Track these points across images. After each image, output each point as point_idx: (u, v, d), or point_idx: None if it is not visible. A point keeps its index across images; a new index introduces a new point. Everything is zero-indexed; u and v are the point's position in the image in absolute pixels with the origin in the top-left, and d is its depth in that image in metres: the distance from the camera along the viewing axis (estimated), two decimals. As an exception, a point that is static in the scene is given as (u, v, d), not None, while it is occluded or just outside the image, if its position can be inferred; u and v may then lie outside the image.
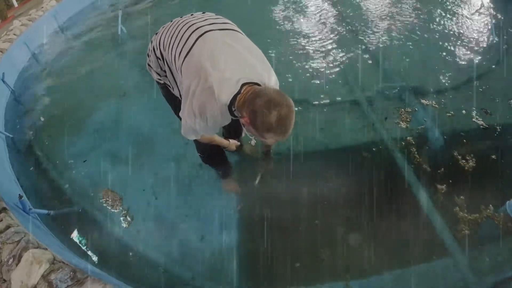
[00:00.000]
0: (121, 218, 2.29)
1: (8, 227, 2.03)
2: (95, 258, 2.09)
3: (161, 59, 1.69)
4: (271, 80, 1.48)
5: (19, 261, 1.81)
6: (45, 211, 2.33)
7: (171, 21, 1.72)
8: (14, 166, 2.74)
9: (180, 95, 1.62)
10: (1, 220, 2.08)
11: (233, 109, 1.40)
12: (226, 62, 1.38)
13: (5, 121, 3.22)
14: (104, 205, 2.35)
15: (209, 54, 1.39)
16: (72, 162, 2.72)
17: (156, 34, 1.75)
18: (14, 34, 4.34)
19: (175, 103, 1.83)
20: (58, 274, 1.69)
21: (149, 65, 1.84)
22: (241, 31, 1.60)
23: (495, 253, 1.94)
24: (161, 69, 1.75)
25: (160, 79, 1.83)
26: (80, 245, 2.18)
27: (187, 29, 1.51)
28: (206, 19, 1.56)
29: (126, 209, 2.34)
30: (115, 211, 2.33)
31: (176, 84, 1.69)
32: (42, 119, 3.22)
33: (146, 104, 3.14)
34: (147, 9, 5.16)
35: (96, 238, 2.21)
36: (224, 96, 1.36)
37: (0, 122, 3.16)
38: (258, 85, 1.40)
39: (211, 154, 2.11)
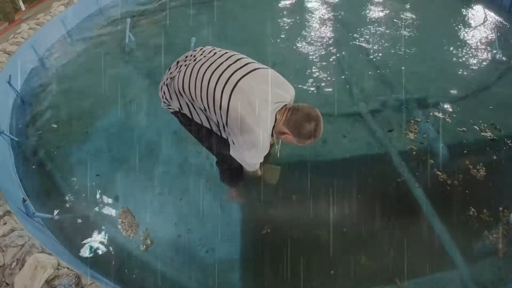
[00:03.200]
0: (126, 227, 2.30)
1: (12, 230, 2.03)
2: (98, 264, 2.08)
3: (190, 103, 1.80)
4: (291, 94, 1.76)
5: (22, 265, 1.81)
6: (49, 216, 2.33)
7: (185, 64, 1.78)
8: (19, 169, 2.75)
9: (211, 127, 1.87)
10: (5, 223, 2.08)
11: (273, 132, 1.75)
12: (260, 106, 1.61)
13: (10, 124, 3.23)
14: (120, 226, 2.32)
15: (246, 107, 1.60)
16: (77, 168, 2.73)
17: (172, 78, 1.81)
18: (22, 38, 4.37)
19: (194, 128, 1.97)
20: (62, 279, 1.69)
21: (166, 102, 1.92)
22: (251, 60, 1.74)
23: (499, 264, 1.96)
24: (189, 106, 1.83)
25: (181, 110, 1.89)
26: (82, 251, 2.17)
27: (216, 83, 1.64)
28: (226, 66, 1.67)
29: (130, 216, 2.34)
30: (120, 222, 2.34)
31: (207, 117, 1.83)
32: (47, 123, 3.23)
33: (151, 111, 3.16)
34: (155, 17, 5.22)
35: (99, 244, 2.21)
36: (267, 132, 1.67)
37: (6, 125, 3.16)
38: (285, 104, 1.72)
39: (235, 171, 2.21)
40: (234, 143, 1.75)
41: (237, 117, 1.62)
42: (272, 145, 2.34)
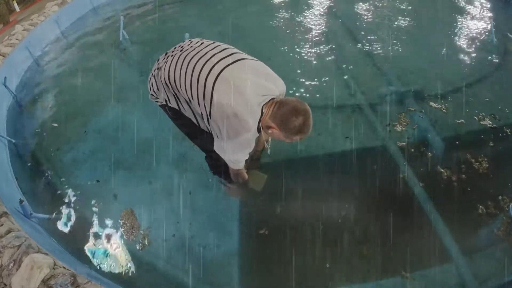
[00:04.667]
0: (122, 224, 2.30)
1: (8, 231, 2.03)
2: (95, 263, 2.09)
3: (175, 94, 1.75)
4: (280, 88, 1.70)
5: (19, 265, 1.82)
6: (46, 216, 2.34)
7: (172, 54, 1.75)
8: (15, 170, 2.75)
9: (197, 122, 1.82)
10: (2, 225, 2.09)
11: (260, 127, 1.67)
12: (246, 97, 1.55)
13: (6, 125, 3.23)
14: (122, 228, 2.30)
15: (230, 97, 1.54)
16: (73, 168, 2.73)
17: (159, 68, 1.78)
18: (16, 39, 4.36)
19: (182, 123, 1.93)
20: (58, 279, 1.70)
21: (154, 94, 1.89)
22: (239, 51, 1.68)
23: (496, 257, 1.97)
24: (176, 98, 1.79)
25: (169, 103, 1.85)
26: (78, 250, 2.17)
27: (200, 70, 1.59)
28: (212, 55, 1.62)
29: (129, 221, 2.35)
30: (116, 220, 2.33)
31: (192, 110, 1.78)
32: (43, 124, 3.23)
33: (146, 109, 3.15)
34: (149, 15, 5.19)
35: (96, 244, 2.21)
36: (253, 125, 1.59)
37: (2, 126, 3.16)
38: (273, 98, 1.64)
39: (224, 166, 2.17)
40: (217, 137, 1.69)
41: (220, 108, 1.56)
42: (258, 145, 2.26)
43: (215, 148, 1.73)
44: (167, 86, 1.74)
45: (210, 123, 1.68)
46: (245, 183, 2.20)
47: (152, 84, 1.86)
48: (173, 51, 1.79)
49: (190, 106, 1.74)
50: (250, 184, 2.26)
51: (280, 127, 1.61)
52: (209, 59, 1.60)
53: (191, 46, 1.71)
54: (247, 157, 1.76)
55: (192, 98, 1.64)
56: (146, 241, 2.19)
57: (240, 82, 1.55)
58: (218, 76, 1.55)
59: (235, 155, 1.71)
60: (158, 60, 1.86)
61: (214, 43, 1.72)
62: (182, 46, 1.76)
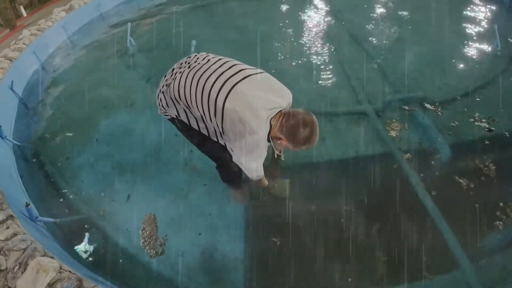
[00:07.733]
0: (127, 228, 2.30)
1: (14, 234, 2.04)
2: (100, 268, 2.08)
3: (186, 109, 1.81)
4: (287, 99, 1.75)
5: (25, 268, 1.81)
6: (52, 220, 2.34)
7: (180, 70, 1.79)
8: (21, 174, 2.76)
9: (209, 134, 1.88)
10: (8, 228, 2.08)
11: (269, 138, 1.73)
12: (255, 112, 1.61)
13: (13, 129, 3.24)
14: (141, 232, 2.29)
15: (240, 113, 1.60)
16: (80, 172, 2.74)
17: (168, 85, 1.82)
18: (24, 44, 4.40)
19: (192, 134, 1.98)
20: (64, 283, 1.69)
21: (163, 109, 1.93)
22: (246, 66, 1.74)
23: (504, 262, 1.95)
24: (186, 113, 1.85)
25: (179, 117, 1.90)
26: (84, 254, 2.17)
27: (210, 89, 1.65)
28: (220, 73, 1.67)
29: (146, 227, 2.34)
30: (142, 229, 2.32)
31: (205, 124, 1.84)
32: (49, 128, 3.25)
33: (153, 115, 3.16)
34: (156, 22, 5.25)
35: (102, 248, 2.21)
36: (264, 137, 1.67)
37: (8, 130, 3.18)
38: (281, 110, 1.70)
39: (234, 175, 2.18)
40: (232, 150, 1.75)
41: (231, 124, 1.63)
42: (276, 154, 2.32)
43: (234, 160, 1.79)
44: (178, 102, 1.79)
45: (224, 137, 1.75)
46: (270, 191, 2.29)
47: (161, 100, 1.90)
48: (180, 67, 1.83)
49: (204, 121, 1.79)
50: (275, 193, 2.33)
51: (288, 138, 1.68)
52: (218, 77, 1.65)
53: (198, 63, 1.76)
54: (261, 166, 1.82)
55: (204, 114, 1.70)
56: (161, 249, 2.17)
57: (248, 99, 1.61)
58: (228, 94, 1.62)
59: (251, 165, 1.77)
60: (165, 76, 1.90)
61: (220, 59, 1.76)
62: (189, 63, 1.80)
